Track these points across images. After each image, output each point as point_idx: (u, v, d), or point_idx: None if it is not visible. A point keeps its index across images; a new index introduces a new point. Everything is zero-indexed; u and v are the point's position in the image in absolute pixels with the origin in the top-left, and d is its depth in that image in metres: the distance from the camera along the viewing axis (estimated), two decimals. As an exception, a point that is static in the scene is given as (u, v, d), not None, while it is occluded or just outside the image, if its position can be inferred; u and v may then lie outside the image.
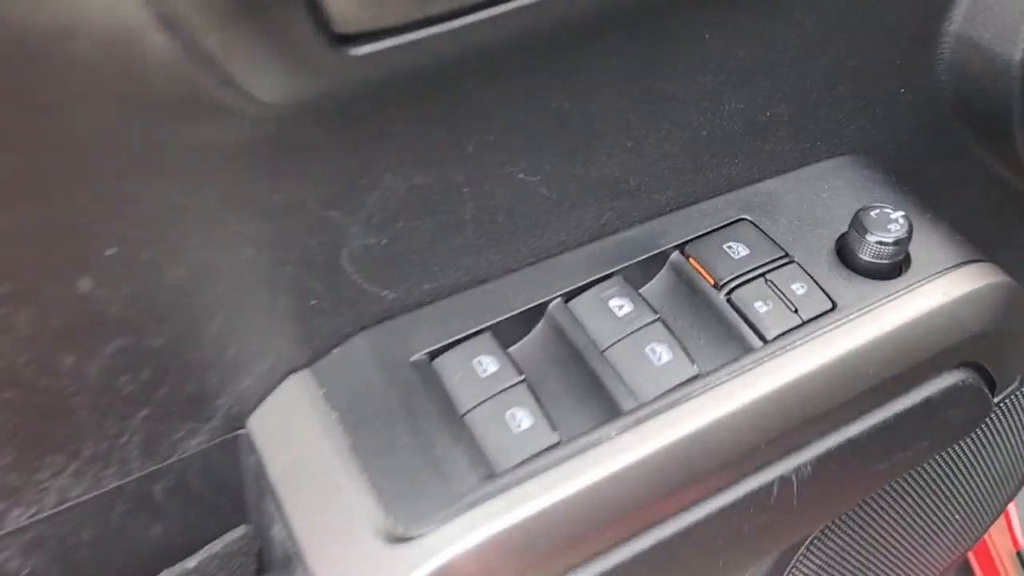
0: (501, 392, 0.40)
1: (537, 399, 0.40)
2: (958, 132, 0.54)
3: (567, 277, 0.45)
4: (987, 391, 0.50)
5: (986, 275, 0.47)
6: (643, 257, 0.46)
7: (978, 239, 0.49)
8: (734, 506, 0.43)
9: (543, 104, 0.39)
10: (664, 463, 0.40)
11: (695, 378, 0.42)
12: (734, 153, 0.48)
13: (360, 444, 0.39)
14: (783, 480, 0.44)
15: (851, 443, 0.46)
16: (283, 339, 0.41)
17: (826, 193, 0.50)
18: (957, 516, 0.72)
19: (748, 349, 0.43)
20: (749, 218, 0.48)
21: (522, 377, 0.41)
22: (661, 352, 0.42)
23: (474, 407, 0.40)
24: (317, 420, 0.40)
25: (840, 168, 0.51)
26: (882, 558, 0.67)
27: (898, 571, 0.70)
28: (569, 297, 0.45)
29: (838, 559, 0.65)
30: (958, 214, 0.51)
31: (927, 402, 0.47)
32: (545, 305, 0.44)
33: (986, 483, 0.71)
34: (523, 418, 0.40)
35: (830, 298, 0.45)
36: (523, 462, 0.38)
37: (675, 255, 0.47)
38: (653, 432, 0.40)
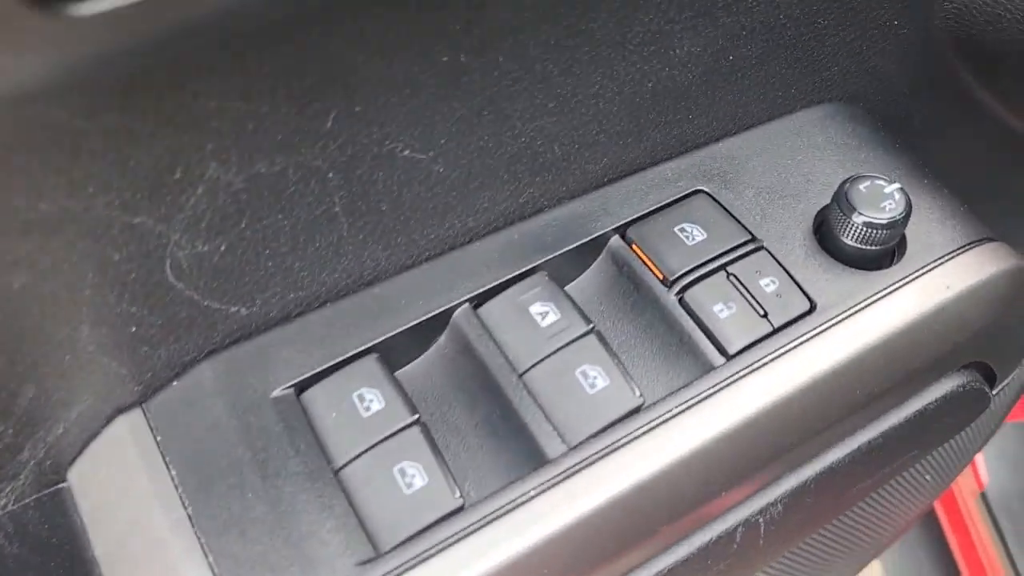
0: (388, 438, 0.34)
1: (434, 448, 0.34)
2: (961, 72, 0.47)
3: (476, 275, 0.38)
4: (987, 388, 0.43)
5: (995, 259, 0.40)
6: (573, 245, 0.39)
7: (981, 203, 0.43)
8: (686, 562, 0.36)
9: (429, 58, 0.32)
10: (599, 529, 0.33)
11: (638, 410, 0.35)
12: (687, 108, 0.41)
13: (201, 514, 0.32)
14: (748, 525, 0.37)
15: (830, 471, 0.39)
16: (101, 375, 0.34)
17: (802, 155, 0.43)
18: (928, 476, 0.69)
19: (706, 368, 0.36)
20: (706, 190, 0.41)
21: (415, 416, 0.34)
22: (595, 376, 0.35)
23: (352, 459, 0.33)
24: (147, 481, 0.33)
25: (819, 121, 0.44)
26: (853, 517, 0.63)
27: (868, 525, 0.67)
28: (479, 302, 0.37)
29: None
30: (958, 172, 0.44)
31: (920, 414, 0.40)
32: (448, 313, 0.37)
33: (958, 443, 0.67)
34: (416, 475, 0.33)
35: (808, 296, 0.38)
36: (415, 535, 0.32)
37: (614, 241, 0.39)
38: (585, 489, 0.33)
